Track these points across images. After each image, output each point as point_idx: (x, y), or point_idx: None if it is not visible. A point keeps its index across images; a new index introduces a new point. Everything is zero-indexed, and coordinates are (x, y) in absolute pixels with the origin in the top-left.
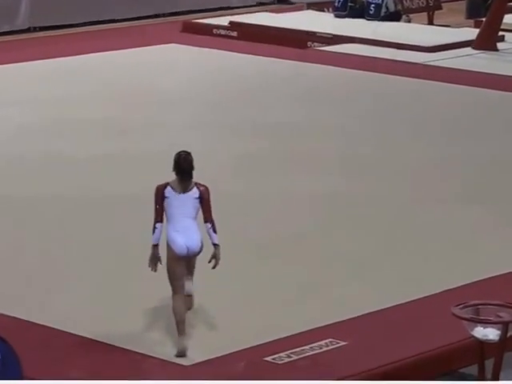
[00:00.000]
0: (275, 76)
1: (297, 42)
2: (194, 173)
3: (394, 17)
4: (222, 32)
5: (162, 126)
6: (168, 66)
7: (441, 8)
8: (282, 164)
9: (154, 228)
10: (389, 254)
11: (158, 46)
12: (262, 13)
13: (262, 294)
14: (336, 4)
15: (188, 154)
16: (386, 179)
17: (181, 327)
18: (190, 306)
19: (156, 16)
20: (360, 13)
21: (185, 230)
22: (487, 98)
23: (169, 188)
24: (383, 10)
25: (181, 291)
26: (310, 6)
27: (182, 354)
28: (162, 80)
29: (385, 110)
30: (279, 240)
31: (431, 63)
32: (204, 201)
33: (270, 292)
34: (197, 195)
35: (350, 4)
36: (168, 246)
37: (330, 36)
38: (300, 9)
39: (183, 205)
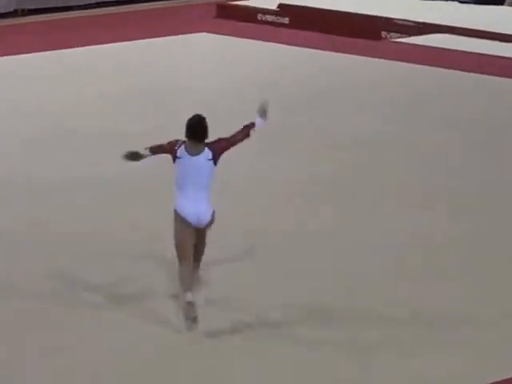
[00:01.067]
0: (341, 76)
1: (368, 32)
2: None
3: None
4: (269, 18)
5: None
6: (197, 62)
7: None
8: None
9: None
10: None
11: (184, 35)
12: None
13: None
14: None
15: (202, 118)
16: None
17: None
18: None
19: None
20: None
21: (195, 200)
22: None
23: (182, 148)
24: None
25: (188, 260)
26: None
27: (190, 318)
28: (192, 80)
29: (492, 120)
30: None
31: None
32: (223, 146)
33: None
34: (210, 156)
35: None
36: (176, 213)
37: (410, 24)
38: None
39: (196, 170)
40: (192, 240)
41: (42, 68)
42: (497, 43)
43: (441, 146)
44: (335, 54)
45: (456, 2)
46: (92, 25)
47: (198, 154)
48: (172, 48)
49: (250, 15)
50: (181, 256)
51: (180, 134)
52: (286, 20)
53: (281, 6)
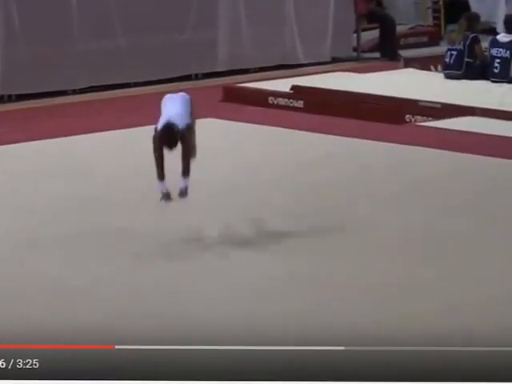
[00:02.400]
0: (363, 165)
1: (391, 115)
2: None
3: None
4: (282, 101)
5: None
6: (204, 154)
7: None
8: None
9: None
10: None
11: None
12: (339, 73)
13: None
14: (447, 60)
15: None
16: None
17: None
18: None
19: (185, 78)
20: (481, 72)
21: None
22: None
23: None
24: None
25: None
26: (409, 63)
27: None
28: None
29: None
30: None
31: None
32: None
33: None
34: None
35: (466, 59)
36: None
37: (438, 106)
38: (395, 67)
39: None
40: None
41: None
42: None
43: None
44: (356, 140)
45: (487, 82)
46: (87, 110)
47: None
48: None
49: (260, 98)
50: None
51: None
52: (300, 103)
53: (294, 88)
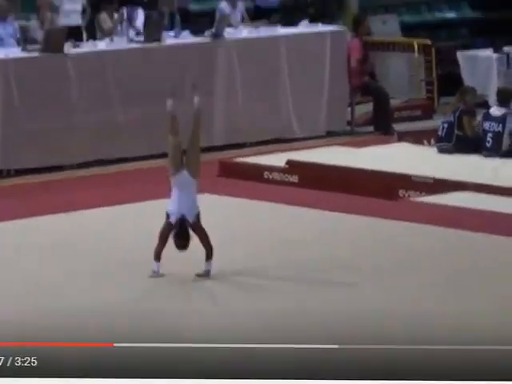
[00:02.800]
0: (352, 239)
1: (384, 191)
2: None
3: None
4: (277, 176)
5: None
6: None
7: None
8: None
9: None
10: None
11: None
12: (334, 147)
13: None
14: (439, 133)
15: None
16: None
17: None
18: None
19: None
20: (474, 145)
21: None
22: None
23: None
24: (506, 141)
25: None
26: (402, 137)
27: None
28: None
29: None
30: None
31: None
32: None
33: None
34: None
35: (457, 132)
36: None
37: (430, 181)
38: (388, 141)
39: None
40: None
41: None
42: None
43: None
44: (350, 215)
45: (480, 156)
46: (82, 186)
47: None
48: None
49: (255, 173)
50: None
51: None
52: (295, 178)
53: (289, 162)
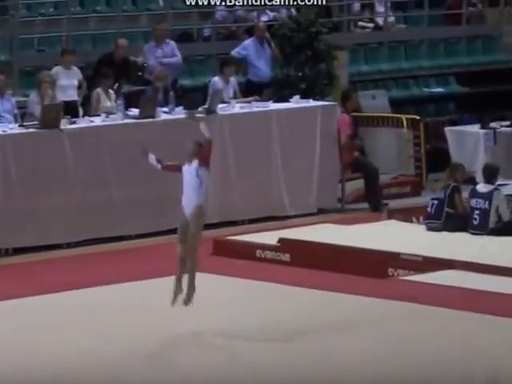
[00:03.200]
0: (343, 318)
1: (374, 269)
2: None
3: (509, 229)
4: (269, 255)
5: None
6: (192, 311)
7: None
8: None
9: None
10: None
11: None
12: (324, 225)
13: None
14: (429, 209)
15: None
16: None
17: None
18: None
19: (176, 231)
20: (463, 223)
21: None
22: None
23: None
24: (493, 218)
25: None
26: (392, 214)
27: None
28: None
29: None
30: None
31: None
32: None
33: None
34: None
35: (446, 209)
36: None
37: (419, 259)
38: (377, 218)
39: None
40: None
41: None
42: None
43: None
44: (339, 294)
45: (467, 234)
46: (77, 264)
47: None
48: (159, 290)
49: (248, 252)
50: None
51: None
52: (287, 257)
53: (281, 240)
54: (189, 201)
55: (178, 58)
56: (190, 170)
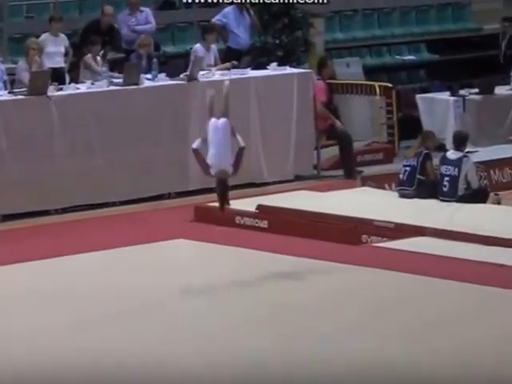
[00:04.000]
0: (316, 286)
1: (348, 236)
2: None
3: (477, 196)
4: (248, 221)
5: None
6: (172, 280)
7: None
8: None
9: None
10: None
11: (159, 242)
12: (301, 191)
13: None
14: (401, 176)
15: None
16: None
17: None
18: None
19: (158, 197)
20: (433, 190)
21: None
22: None
23: None
24: (461, 185)
25: None
26: (365, 181)
27: None
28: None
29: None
30: None
31: None
32: None
33: None
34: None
35: (418, 177)
36: None
37: (391, 226)
38: (352, 185)
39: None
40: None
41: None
42: (480, 247)
43: None
44: (314, 260)
45: (437, 201)
46: (60, 232)
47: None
48: (143, 258)
49: (228, 219)
50: None
51: None
52: (264, 224)
53: (260, 207)
54: (224, 159)
55: (151, 25)
56: (220, 127)
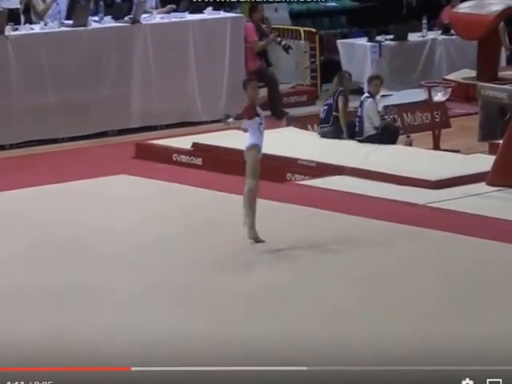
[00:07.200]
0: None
1: (274, 174)
2: None
3: (386, 135)
4: (184, 158)
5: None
6: (116, 215)
7: (449, 126)
8: None
9: None
10: None
11: (102, 178)
12: (232, 131)
13: None
14: (321, 115)
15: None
16: None
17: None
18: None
19: (101, 135)
20: (347, 128)
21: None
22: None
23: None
24: (366, 124)
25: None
26: (290, 122)
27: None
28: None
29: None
30: None
31: (436, 204)
32: None
33: None
34: None
35: (334, 113)
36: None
37: (313, 165)
38: (278, 126)
39: None
40: None
41: None
42: (390, 185)
43: None
44: (241, 196)
45: (354, 141)
46: (19, 165)
47: None
48: (87, 192)
49: (165, 156)
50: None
51: None
52: (199, 161)
53: (194, 145)
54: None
55: None
56: (262, 116)
